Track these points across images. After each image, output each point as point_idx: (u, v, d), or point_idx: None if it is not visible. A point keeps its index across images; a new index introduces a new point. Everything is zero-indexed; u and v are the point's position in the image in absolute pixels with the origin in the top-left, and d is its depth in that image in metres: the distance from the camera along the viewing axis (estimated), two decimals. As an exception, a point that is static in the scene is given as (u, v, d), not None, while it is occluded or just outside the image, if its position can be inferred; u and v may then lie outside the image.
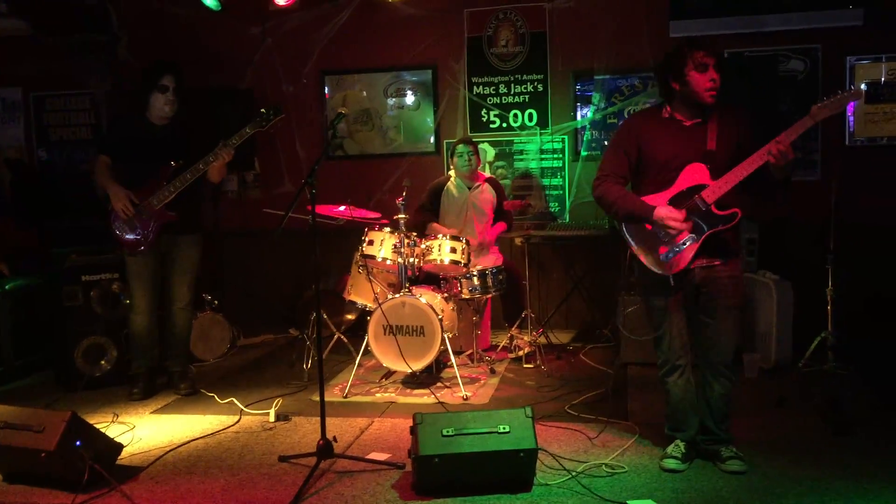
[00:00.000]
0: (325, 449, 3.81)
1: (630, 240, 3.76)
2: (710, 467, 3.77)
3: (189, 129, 5.17)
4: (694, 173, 3.62)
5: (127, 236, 5.01)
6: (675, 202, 3.61)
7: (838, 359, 4.55)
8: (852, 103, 5.89)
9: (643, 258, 3.71)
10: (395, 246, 5.30)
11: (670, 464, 3.73)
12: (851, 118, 6.29)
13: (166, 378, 5.43)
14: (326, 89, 7.22)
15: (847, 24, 6.18)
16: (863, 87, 6.22)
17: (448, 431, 3.49)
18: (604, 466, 3.79)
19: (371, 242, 5.42)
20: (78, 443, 3.66)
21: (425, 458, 3.45)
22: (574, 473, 3.68)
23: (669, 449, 3.81)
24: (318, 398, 5.05)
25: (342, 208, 5.76)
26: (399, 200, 5.31)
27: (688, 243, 3.58)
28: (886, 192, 6.12)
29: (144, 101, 5.06)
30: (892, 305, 5.61)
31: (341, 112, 4.16)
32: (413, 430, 3.54)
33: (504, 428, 3.51)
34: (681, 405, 3.82)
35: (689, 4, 6.38)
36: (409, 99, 7.14)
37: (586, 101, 6.81)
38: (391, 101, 7.18)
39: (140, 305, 5.17)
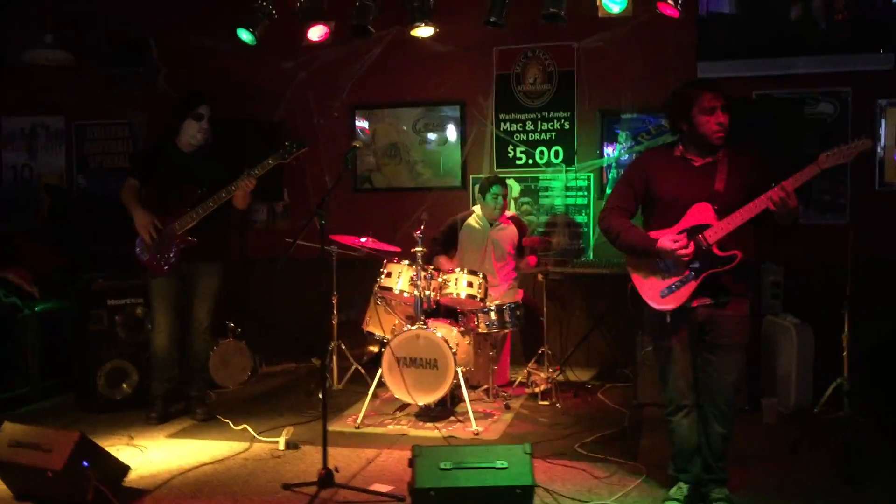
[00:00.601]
0: (326, 479, 3.84)
1: (631, 273, 3.77)
2: (713, 511, 3.71)
3: (216, 157, 5.30)
4: (699, 212, 3.61)
5: (149, 259, 5.16)
6: (678, 240, 3.61)
7: (855, 405, 4.47)
8: None
9: (642, 292, 3.71)
10: (412, 279, 5.34)
11: (672, 506, 3.68)
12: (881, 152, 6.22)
13: (184, 403, 5.50)
14: (367, 123, 7.34)
15: (877, 68, 6.12)
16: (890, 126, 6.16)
17: (445, 465, 3.49)
18: (605, 507, 3.76)
19: (389, 274, 5.48)
20: (85, 463, 3.73)
21: (422, 491, 3.46)
22: (573, 513, 3.65)
23: (672, 491, 3.77)
24: (332, 428, 5.15)
25: (364, 240, 5.85)
26: (417, 233, 5.35)
27: (686, 281, 3.57)
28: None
29: (177, 127, 5.22)
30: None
31: (355, 145, 4.24)
32: (411, 463, 3.54)
33: (502, 464, 3.51)
34: (685, 445, 3.77)
35: (716, 46, 6.39)
36: (438, 134, 7.22)
37: (613, 140, 6.83)
38: (421, 136, 7.28)
39: (161, 324, 5.29)
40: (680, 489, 3.75)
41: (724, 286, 3.60)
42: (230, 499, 3.95)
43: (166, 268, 5.16)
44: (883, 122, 6.22)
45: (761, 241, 3.84)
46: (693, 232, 3.59)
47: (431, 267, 5.47)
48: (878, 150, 6.22)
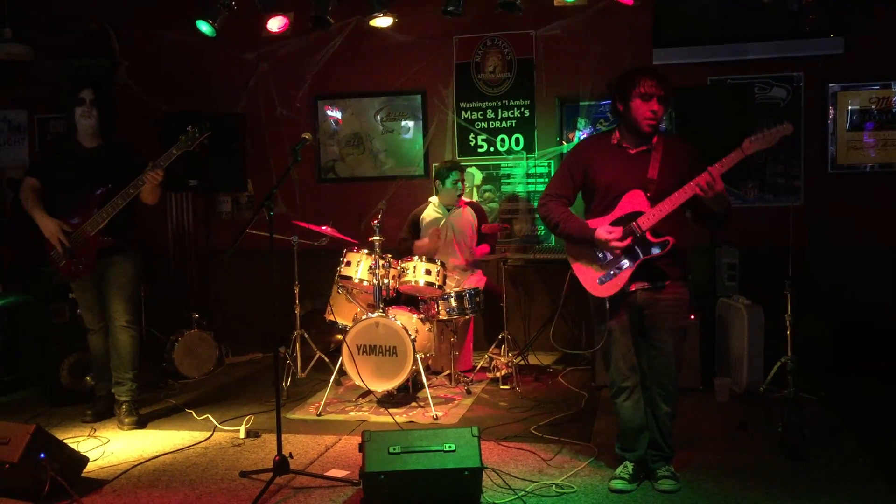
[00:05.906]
0: (281, 465, 3.89)
1: (571, 261, 3.87)
2: (657, 488, 3.82)
3: (123, 151, 5.11)
4: (633, 200, 3.70)
5: (66, 265, 4.98)
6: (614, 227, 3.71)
7: (798, 383, 4.60)
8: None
9: (582, 280, 3.82)
10: (370, 267, 5.41)
11: (618, 485, 3.78)
12: (832, 148, 6.34)
13: (150, 393, 5.52)
14: (339, 114, 7.38)
15: (828, 53, 6.23)
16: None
17: (394, 449, 3.57)
18: (554, 487, 3.84)
19: (349, 263, 5.54)
20: (42, 455, 3.78)
21: (371, 475, 3.53)
22: (521, 493, 3.73)
23: (618, 470, 3.87)
24: (293, 416, 5.22)
25: (324, 228, 5.91)
26: (374, 222, 5.41)
27: (623, 268, 3.67)
28: (865, 217, 6.20)
29: (71, 121, 5.02)
30: (865, 330, 5.66)
31: (304, 137, 4.29)
32: (361, 448, 3.62)
33: (450, 446, 3.58)
34: (630, 426, 3.86)
35: (671, 33, 6.47)
36: (400, 123, 7.28)
37: (572, 126, 6.91)
38: (384, 126, 7.33)
39: (92, 326, 5.19)
40: (626, 468, 3.85)
41: (660, 270, 3.71)
42: (188, 486, 4.01)
43: (83, 271, 4.98)
44: (834, 106, 6.34)
45: (701, 229, 3.93)
46: (627, 219, 3.68)
47: (389, 255, 5.53)
48: (830, 132, 6.34)
